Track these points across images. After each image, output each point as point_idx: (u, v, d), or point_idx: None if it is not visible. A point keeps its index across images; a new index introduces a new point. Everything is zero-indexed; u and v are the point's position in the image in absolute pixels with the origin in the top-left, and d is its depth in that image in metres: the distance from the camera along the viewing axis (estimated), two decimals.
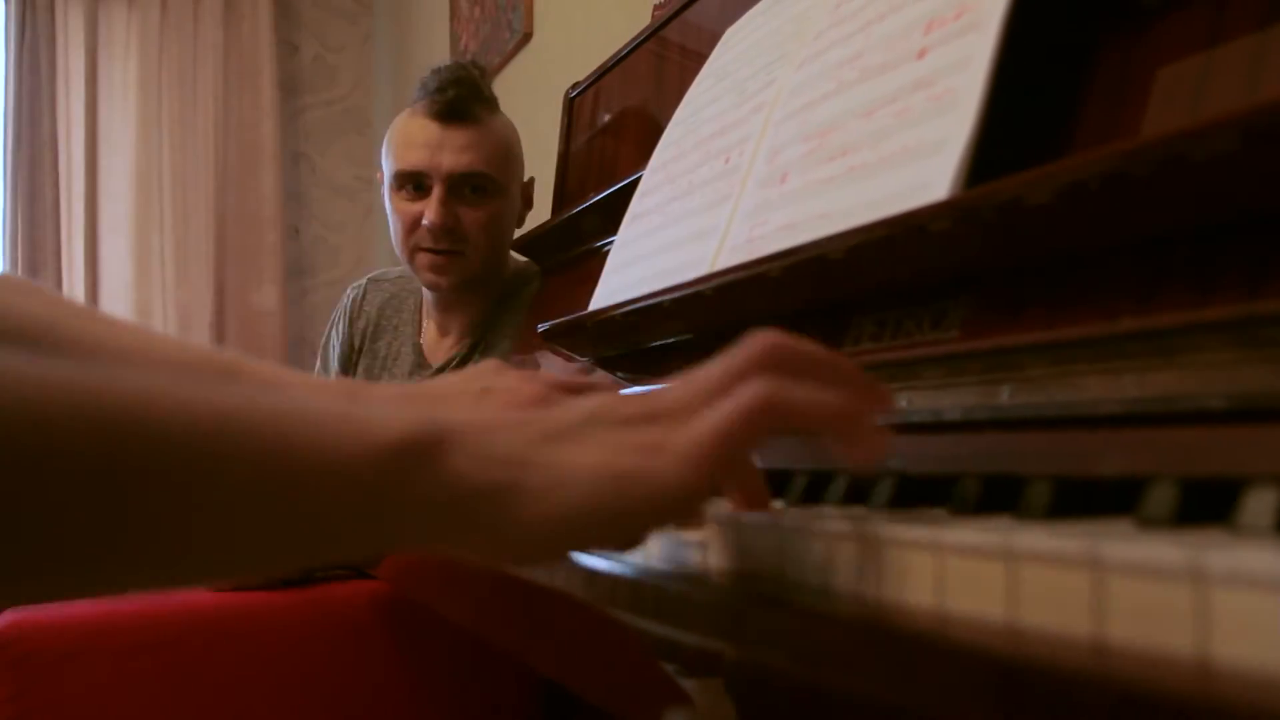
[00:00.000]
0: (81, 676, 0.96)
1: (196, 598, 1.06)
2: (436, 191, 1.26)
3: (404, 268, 1.42)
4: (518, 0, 2.15)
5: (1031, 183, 0.41)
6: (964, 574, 0.31)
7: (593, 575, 0.46)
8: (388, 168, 1.33)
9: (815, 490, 0.48)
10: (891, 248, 0.47)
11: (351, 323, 1.44)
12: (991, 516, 0.39)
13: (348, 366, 1.42)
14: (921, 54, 0.54)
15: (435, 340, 1.39)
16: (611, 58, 1.21)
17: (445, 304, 1.36)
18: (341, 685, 1.05)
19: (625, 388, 0.73)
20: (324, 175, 3.27)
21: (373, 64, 3.38)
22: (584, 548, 0.42)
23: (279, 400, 0.35)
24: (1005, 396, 0.45)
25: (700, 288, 0.62)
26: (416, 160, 1.27)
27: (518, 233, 1.37)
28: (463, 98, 1.28)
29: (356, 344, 1.43)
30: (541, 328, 0.87)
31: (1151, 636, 0.25)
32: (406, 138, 1.30)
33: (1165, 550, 0.25)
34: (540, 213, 1.36)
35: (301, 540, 0.33)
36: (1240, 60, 0.43)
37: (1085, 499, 0.37)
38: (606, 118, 1.21)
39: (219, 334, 2.94)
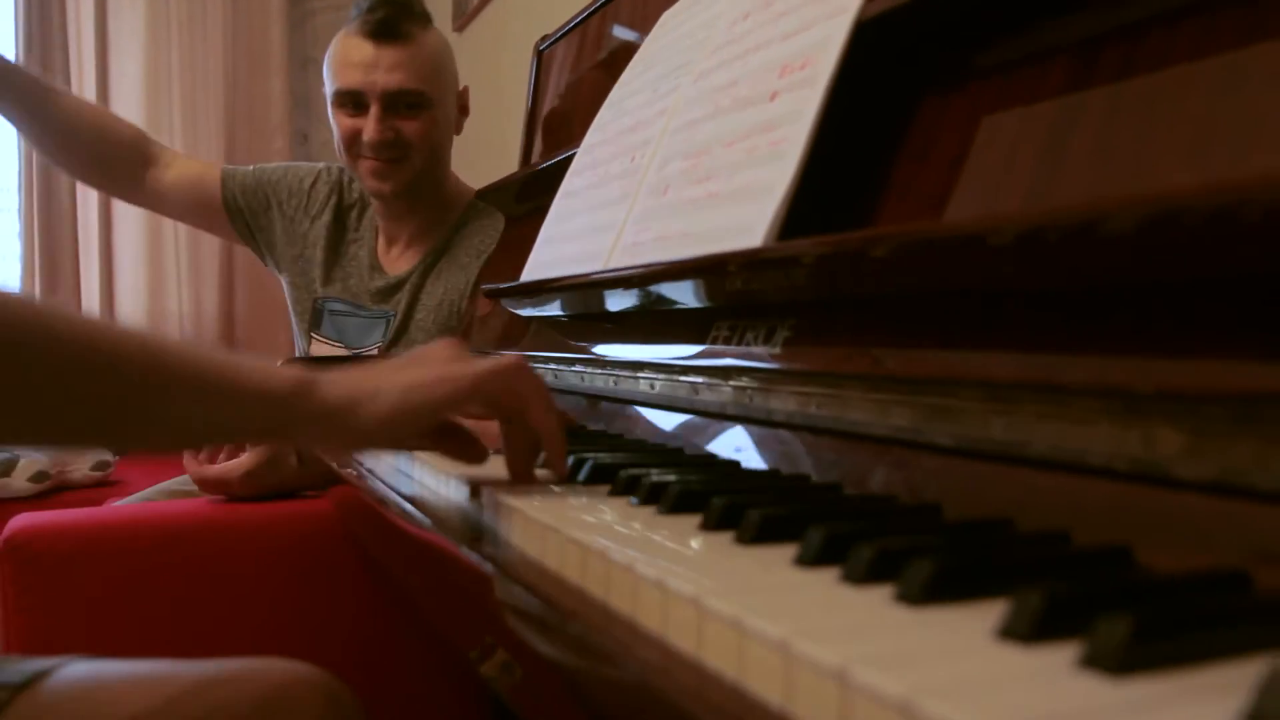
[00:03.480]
0: (80, 576, 1.10)
1: (183, 506, 1.19)
2: (374, 110, 1.35)
3: None
4: None
5: (803, 250, 0.50)
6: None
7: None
8: (329, 87, 1.40)
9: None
10: (711, 278, 0.57)
11: (327, 202, 1.51)
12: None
13: (335, 247, 1.49)
14: (773, 96, 0.62)
15: (385, 249, 1.48)
16: (580, 12, 1.27)
17: (391, 212, 1.45)
18: (307, 585, 1.18)
19: None
20: None
21: None
22: (405, 436, 0.61)
23: (215, 350, 0.56)
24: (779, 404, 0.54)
25: (590, 281, 0.72)
26: (353, 80, 1.35)
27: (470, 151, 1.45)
28: (394, 17, 1.35)
29: (350, 227, 1.50)
30: (486, 288, 0.97)
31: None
32: (344, 57, 1.37)
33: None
34: (507, 167, 1.43)
35: (240, 428, 0.58)
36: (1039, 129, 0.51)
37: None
38: (572, 72, 1.27)
39: (227, 245, 3.03)
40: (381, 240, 1.48)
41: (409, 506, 0.62)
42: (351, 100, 1.36)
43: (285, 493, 1.21)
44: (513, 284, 0.89)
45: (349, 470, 0.88)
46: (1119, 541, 0.37)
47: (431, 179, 1.41)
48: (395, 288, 1.43)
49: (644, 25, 1.10)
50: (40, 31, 2.85)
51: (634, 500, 0.51)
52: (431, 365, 0.58)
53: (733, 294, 0.63)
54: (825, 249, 0.47)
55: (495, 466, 0.63)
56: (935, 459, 0.48)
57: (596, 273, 0.70)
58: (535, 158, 1.30)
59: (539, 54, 1.36)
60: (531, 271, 0.88)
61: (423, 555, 0.62)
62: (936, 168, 0.55)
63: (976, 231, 0.41)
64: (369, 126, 1.34)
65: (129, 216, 2.95)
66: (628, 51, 1.10)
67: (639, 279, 0.65)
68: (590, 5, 1.22)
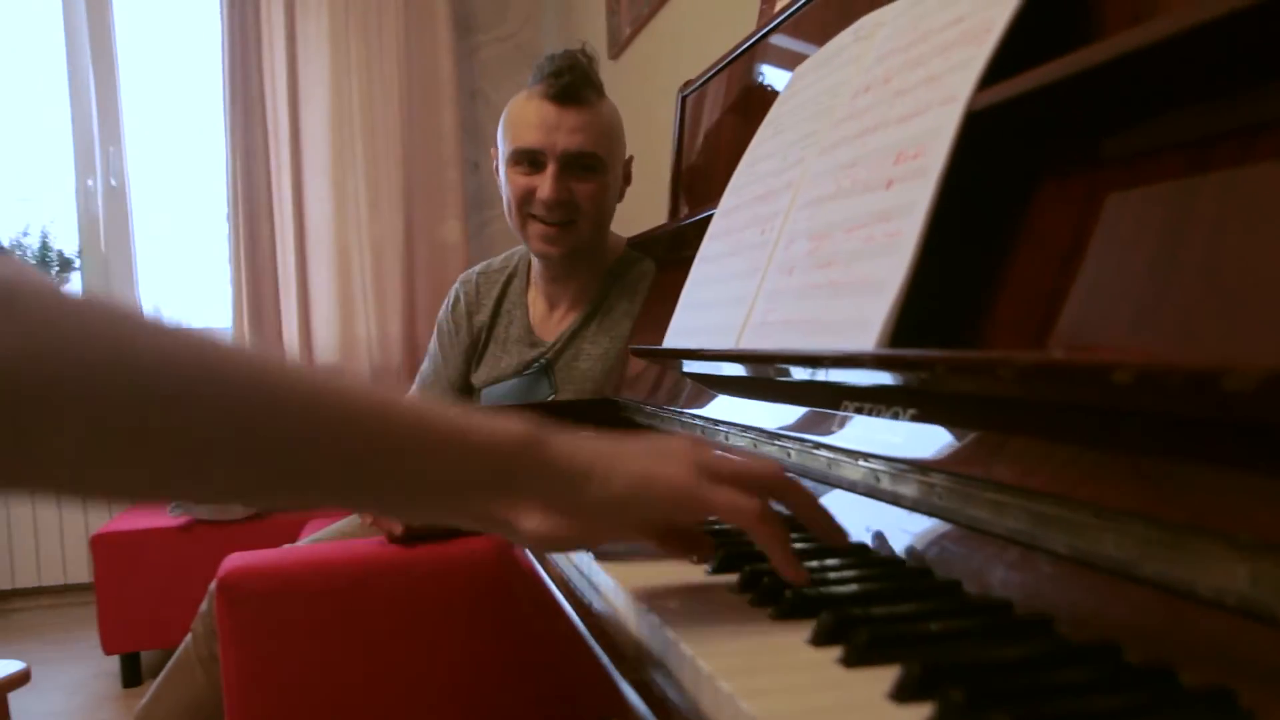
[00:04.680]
0: (282, 613, 1.21)
1: (369, 548, 1.29)
2: (551, 168, 1.40)
3: (506, 254, 1.57)
4: None
5: (927, 360, 0.51)
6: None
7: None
8: (505, 145, 1.47)
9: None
10: (840, 366, 0.58)
11: (470, 317, 1.60)
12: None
13: (472, 358, 1.60)
14: (889, 184, 0.63)
15: (544, 315, 1.55)
16: (721, 58, 1.29)
17: (554, 274, 1.51)
18: (475, 619, 1.26)
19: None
20: (499, 110, 3.44)
21: None
22: (627, 527, 0.58)
23: (436, 405, 0.52)
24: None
25: (725, 356, 0.74)
26: (533, 139, 1.41)
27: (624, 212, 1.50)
28: (576, 83, 1.41)
29: (480, 337, 1.60)
30: (633, 348, 1.01)
31: None
32: (524, 118, 1.43)
33: None
34: (659, 190, 1.47)
35: (453, 489, 0.52)
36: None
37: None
38: (715, 117, 1.30)
39: (409, 267, 3.23)
40: (541, 306, 1.55)
41: (567, 605, 0.65)
42: (529, 159, 1.41)
43: (445, 531, 1.29)
44: (656, 349, 0.92)
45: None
46: (1213, 678, 0.37)
47: (594, 242, 1.47)
48: (549, 349, 1.50)
49: (784, 68, 1.11)
50: (242, 84, 3.10)
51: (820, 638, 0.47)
52: (673, 461, 0.54)
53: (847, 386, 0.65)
54: (949, 363, 0.48)
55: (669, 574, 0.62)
56: (1052, 564, 0.49)
57: (731, 351, 0.73)
58: (682, 204, 1.33)
59: (682, 99, 1.39)
60: (673, 337, 0.92)
61: (569, 633, 0.67)
62: (1049, 258, 0.55)
63: (1099, 367, 0.41)
64: (545, 185, 1.39)
65: (321, 256, 3.17)
66: (764, 100, 1.12)
67: (769, 360, 0.67)
68: (730, 52, 1.24)
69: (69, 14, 3.19)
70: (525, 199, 1.43)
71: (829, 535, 0.58)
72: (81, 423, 0.40)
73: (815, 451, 0.72)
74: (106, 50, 3.21)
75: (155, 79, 3.31)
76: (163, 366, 0.42)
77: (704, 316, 0.86)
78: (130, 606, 2.53)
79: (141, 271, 3.30)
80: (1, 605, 3.20)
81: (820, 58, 0.92)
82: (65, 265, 3.20)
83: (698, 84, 1.35)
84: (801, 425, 0.76)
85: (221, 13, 3.08)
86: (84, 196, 3.22)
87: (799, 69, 0.96)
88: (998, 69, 0.59)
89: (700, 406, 0.99)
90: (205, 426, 0.44)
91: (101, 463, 0.42)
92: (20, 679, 1.64)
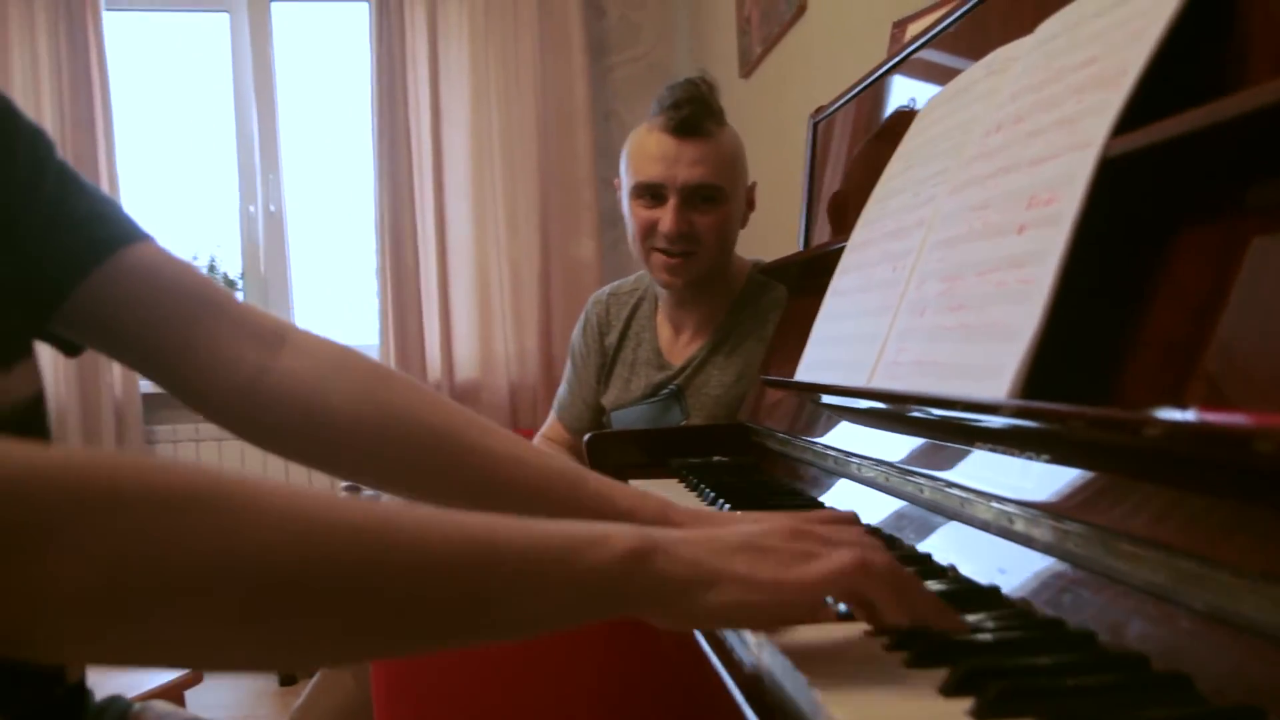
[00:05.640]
0: (440, 711, 1.27)
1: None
2: (672, 201, 1.42)
3: (636, 276, 1.60)
4: None
5: (1067, 415, 0.51)
6: None
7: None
8: (627, 178, 1.49)
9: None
10: (978, 413, 0.59)
11: (601, 338, 1.64)
12: None
13: (601, 377, 1.63)
14: (1021, 230, 0.63)
15: (672, 339, 1.57)
16: (853, 86, 1.30)
17: (679, 301, 1.53)
18: (611, 643, 1.30)
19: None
20: (632, 129, 3.52)
21: (672, 18, 3.55)
22: (739, 627, 0.61)
23: (537, 525, 0.51)
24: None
25: (857, 393, 0.75)
26: (654, 173, 1.43)
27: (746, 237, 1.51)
28: (697, 114, 1.42)
29: (609, 357, 1.63)
30: (765, 379, 1.03)
31: None
32: (645, 151, 1.45)
33: None
34: (791, 209, 1.48)
35: (566, 614, 0.51)
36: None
37: None
38: (847, 145, 1.31)
39: (545, 285, 3.32)
40: (667, 330, 1.57)
41: (715, 660, 0.67)
42: (650, 192, 1.44)
43: None
44: (790, 381, 0.94)
45: None
46: None
47: (717, 270, 1.48)
48: (679, 373, 1.53)
49: (915, 99, 1.11)
50: (389, 111, 3.25)
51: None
52: (773, 562, 0.54)
53: (982, 430, 0.65)
54: (1091, 422, 0.48)
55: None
56: (1190, 620, 0.48)
57: (866, 390, 0.74)
58: (814, 230, 1.34)
59: (814, 125, 1.40)
60: (806, 370, 0.93)
61: (698, 659, 0.69)
62: (1187, 309, 0.54)
63: (1241, 432, 0.41)
64: (666, 219, 1.42)
65: (462, 275, 3.30)
66: (895, 130, 1.12)
67: (904, 401, 0.68)
68: (861, 81, 1.25)
69: (236, 57, 3.42)
70: (648, 231, 1.46)
71: (938, 618, 0.56)
72: (189, 615, 0.41)
73: (948, 490, 0.73)
74: (267, 85, 3.43)
75: (310, 111, 3.51)
76: (267, 556, 0.42)
77: (836, 351, 0.88)
78: None
79: (296, 291, 3.49)
80: None
81: (951, 91, 0.92)
82: (230, 286, 3.42)
83: (829, 111, 1.36)
84: (933, 461, 0.77)
85: (370, 47, 3.24)
86: (246, 222, 3.44)
87: (930, 102, 0.97)
88: (1133, 114, 0.58)
89: (830, 435, 1.00)
90: (311, 611, 0.43)
91: (212, 644, 0.43)
92: (195, 679, 1.78)
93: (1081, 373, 0.59)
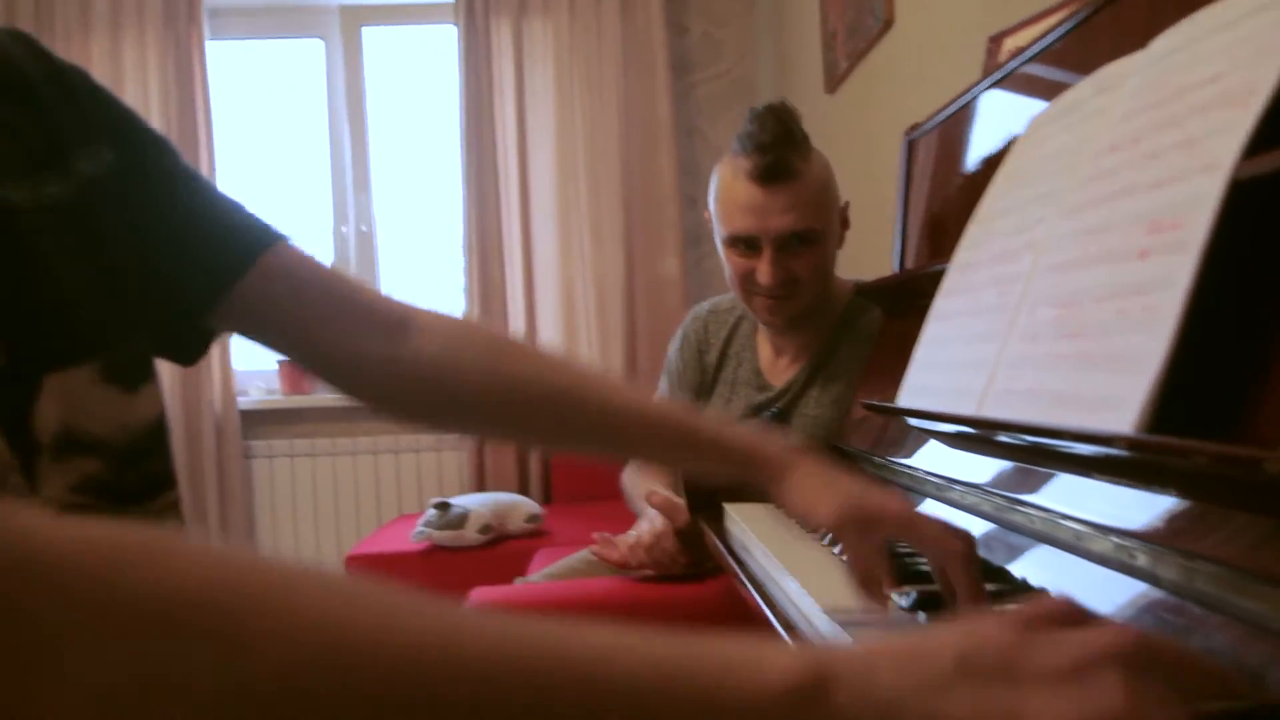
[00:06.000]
0: None
1: (607, 589, 1.35)
2: (767, 252, 1.39)
3: (734, 295, 1.59)
4: None
5: (1196, 450, 0.49)
6: None
7: None
8: (718, 225, 1.46)
9: None
10: (1106, 446, 0.57)
11: (700, 356, 1.63)
12: None
13: (699, 395, 1.63)
14: (1143, 255, 0.61)
15: (772, 360, 1.55)
16: (947, 103, 1.28)
17: (779, 329, 1.52)
18: None
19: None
20: (715, 146, 3.52)
21: (755, 34, 3.54)
22: None
23: (662, 647, 0.36)
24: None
25: (968, 420, 0.74)
26: (745, 226, 1.40)
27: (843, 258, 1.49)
28: (781, 159, 1.37)
29: (708, 376, 1.62)
30: (865, 403, 1.02)
31: None
32: (734, 200, 1.42)
33: None
34: (880, 225, 1.46)
35: None
36: None
37: None
38: (943, 164, 1.28)
39: (629, 301, 3.33)
40: (768, 350, 1.56)
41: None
42: (744, 242, 1.41)
43: (678, 572, 1.33)
44: (892, 406, 0.93)
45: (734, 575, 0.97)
46: None
47: (819, 300, 1.47)
48: (780, 395, 1.51)
49: (1017, 116, 1.09)
50: (476, 131, 3.32)
51: None
52: (1010, 699, 0.35)
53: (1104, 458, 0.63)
54: (1218, 460, 0.46)
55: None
56: None
57: (977, 419, 0.73)
58: (909, 250, 1.32)
59: (909, 143, 1.38)
60: (908, 395, 0.92)
61: None
62: None
63: None
64: (763, 270, 1.39)
65: (547, 292, 3.34)
66: (994, 148, 1.10)
67: (1021, 431, 0.66)
68: (957, 97, 1.23)
69: (330, 81, 3.52)
70: (746, 279, 1.44)
71: None
72: None
73: (1062, 522, 0.71)
74: (359, 108, 3.52)
75: (399, 131, 3.59)
76: (289, 682, 0.31)
77: (940, 377, 0.86)
78: None
79: None
80: None
81: (1059, 109, 0.90)
82: None
83: (924, 128, 1.34)
84: (1045, 491, 0.75)
85: (459, 68, 3.30)
86: (339, 241, 3.53)
87: (1035, 119, 0.94)
88: (1263, 134, 0.56)
89: (920, 457, 0.98)
90: None
91: None
92: None
93: (1209, 405, 0.57)
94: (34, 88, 0.62)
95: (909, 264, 1.31)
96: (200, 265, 0.71)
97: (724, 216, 1.44)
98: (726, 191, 1.44)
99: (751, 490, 1.29)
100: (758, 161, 1.38)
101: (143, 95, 3.27)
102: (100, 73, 3.24)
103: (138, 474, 0.62)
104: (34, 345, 0.56)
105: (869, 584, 0.73)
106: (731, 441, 0.83)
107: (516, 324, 3.33)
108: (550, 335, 3.35)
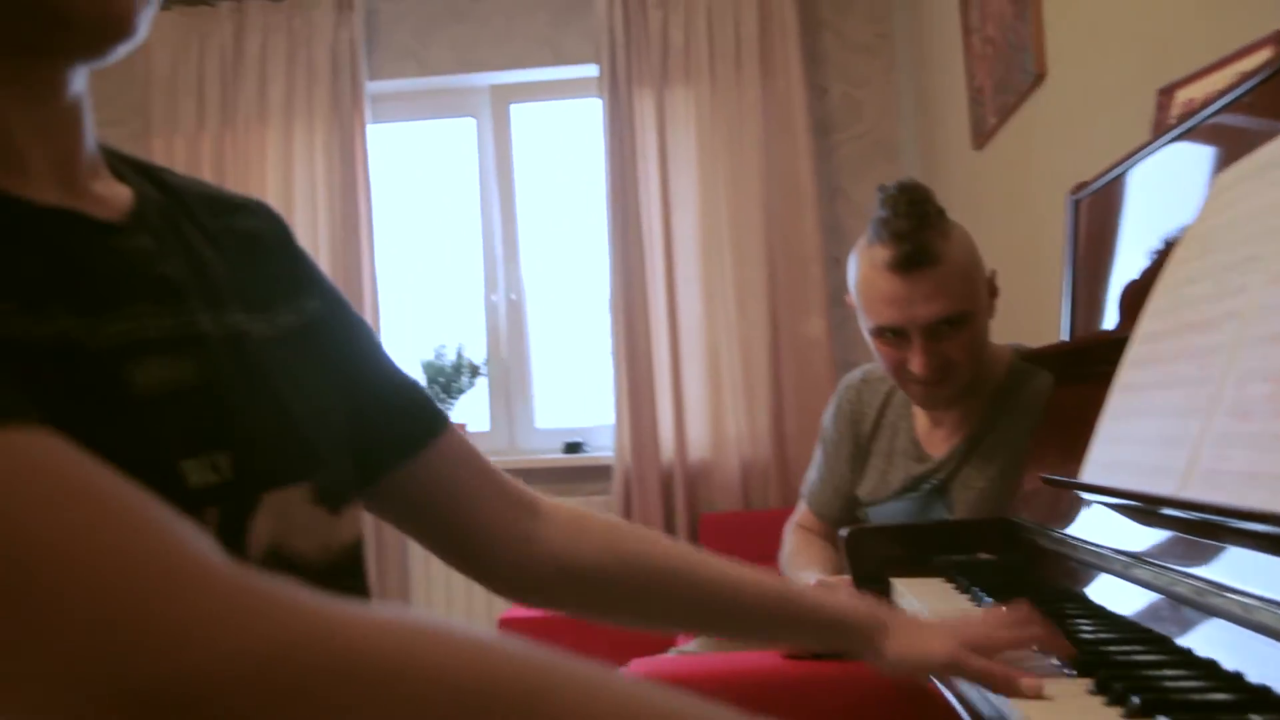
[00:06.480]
0: None
1: (767, 664, 1.32)
2: (917, 342, 1.34)
3: None
4: (1027, 41, 2.16)
5: None
6: None
7: None
8: (862, 316, 1.42)
9: None
10: None
11: (854, 425, 1.59)
12: None
13: (856, 467, 1.59)
14: None
15: (929, 430, 1.50)
16: (1117, 162, 1.23)
17: (940, 411, 1.47)
18: None
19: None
20: (858, 205, 3.49)
21: (896, 93, 3.52)
22: None
23: None
24: None
25: (1173, 502, 0.70)
26: (890, 318, 1.35)
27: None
28: (920, 245, 1.32)
29: (863, 445, 1.58)
30: (1045, 477, 0.98)
31: None
32: (876, 292, 1.37)
33: None
34: (1034, 285, 1.41)
35: None
36: None
37: None
38: (1115, 226, 1.24)
39: (774, 362, 3.31)
40: (924, 420, 1.51)
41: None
42: (891, 333, 1.38)
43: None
44: (1078, 482, 0.89)
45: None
46: None
47: (975, 376, 1.42)
48: (940, 467, 1.46)
49: (1195, 174, 1.04)
50: (621, 199, 3.39)
51: None
52: None
53: None
54: None
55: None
56: None
57: (1185, 500, 0.69)
58: (1080, 315, 1.27)
59: (1075, 203, 1.33)
60: (1096, 470, 0.88)
61: None
62: None
63: None
64: (915, 360, 1.35)
65: (693, 356, 3.36)
66: (1173, 209, 1.05)
67: (1249, 518, 0.62)
68: (1129, 156, 1.18)
69: (481, 156, 3.67)
70: (898, 368, 1.40)
71: None
72: None
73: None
74: (508, 181, 3.65)
75: (547, 202, 3.70)
76: None
77: (1132, 452, 0.82)
78: None
79: (535, 375, 3.65)
80: None
81: (1250, 168, 0.85)
82: (474, 372, 3.62)
83: (1092, 187, 1.29)
84: (1256, 578, 0.70)
85: (604, 140, 3.40)
86: (490, 310, 3.65)
87: (1220, 179, 0.90)
88: None
89: (1109, 537, 0.93)
90: None
91: None
92: None
93: None
94: (272, 246, 0.72)
95: (1080, 330, 1.26)
96: (386, 435, 0.75)
97: (867, 308, 1.40)
98: (867, 284, 1.40)
99: (918, 564, 1.25)
100: (895, 251, 1.34)
101: (309, 176, 3.48)
102: (274, 158, 3.48)
103: (334, 594, 0.64)
104: (258, 462, 0.59)
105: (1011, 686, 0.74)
106: (830, 612, 0.86)
107: (662, 388, 3.35)
108: (696, 398, 3.35)
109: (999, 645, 0.81)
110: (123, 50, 0.55)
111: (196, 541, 0.38)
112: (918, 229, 1.34)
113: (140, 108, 3.52)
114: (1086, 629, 0.82)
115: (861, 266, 1.42)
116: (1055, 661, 0.76)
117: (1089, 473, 0.89)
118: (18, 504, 0.35)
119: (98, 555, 0.35)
